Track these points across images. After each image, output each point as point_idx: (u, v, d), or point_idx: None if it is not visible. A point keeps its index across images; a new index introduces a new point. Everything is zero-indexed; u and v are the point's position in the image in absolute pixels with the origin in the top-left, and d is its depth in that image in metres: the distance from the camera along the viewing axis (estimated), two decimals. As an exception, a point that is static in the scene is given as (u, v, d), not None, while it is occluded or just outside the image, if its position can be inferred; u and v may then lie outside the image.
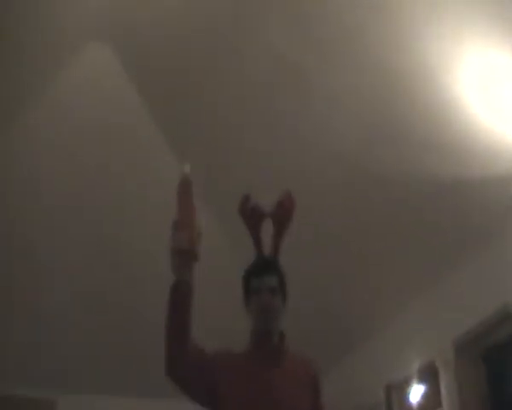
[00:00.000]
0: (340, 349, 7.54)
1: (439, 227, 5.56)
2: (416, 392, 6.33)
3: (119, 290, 7.40)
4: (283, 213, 3.05)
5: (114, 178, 6.95)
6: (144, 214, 7.09)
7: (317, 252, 6.55)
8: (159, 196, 6.25)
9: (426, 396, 6.13)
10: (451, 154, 4.98)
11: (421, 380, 6.23)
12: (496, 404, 5.56)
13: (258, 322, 2.69)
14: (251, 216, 3.03)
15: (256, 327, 2.70)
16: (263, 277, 2.72)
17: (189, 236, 2.49)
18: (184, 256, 2.51)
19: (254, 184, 6.05)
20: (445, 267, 5.83)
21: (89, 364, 7.66)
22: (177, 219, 2.51)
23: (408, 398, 6.44)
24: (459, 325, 5.67)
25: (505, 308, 5.07)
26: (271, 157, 6.12)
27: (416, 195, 5.47)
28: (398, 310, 6.57)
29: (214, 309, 6.83)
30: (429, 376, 6.08)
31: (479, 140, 4.76)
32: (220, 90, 6.01)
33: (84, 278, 7.22)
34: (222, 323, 7.00)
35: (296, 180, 5.59)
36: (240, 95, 5.92)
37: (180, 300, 2.51)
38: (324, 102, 5.42)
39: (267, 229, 3.06)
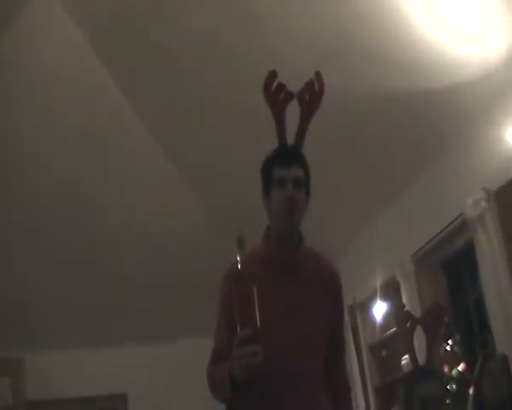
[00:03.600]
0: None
1: (394, 142, 5.60)
2: (379, 309, 6.48)
3: (80, 245, 7.36)
4: (312, 95, 2.67)
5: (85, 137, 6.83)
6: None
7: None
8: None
9: (389, 312, 6.27)
10: (398, 67, 5.00)
11: (384, 296, 6.37)
12: (456, 311, 5.73)
13: (280, 217, 2.40)
14: (275, 95, 2.63)
15: (279, 223, 2.43)
16: (289, 166, 2.41)
17: (256, 349, 2.08)
18: (253, 369, 2.11)
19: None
20: (400, 184, 5.93)
21: (53, 320, 7.63)
22: (241, 332, 2.10)
23: (372, 315, 6.60)
24: (417, 239, 5.80)
25: (461, 218, 5.19)
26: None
27: (365, 109, 5.46)
28: (358, 230, 6.69)
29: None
30: (391, 291, 6.21)
31: (425, 53, 4.78)
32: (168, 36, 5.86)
33: (46, 235, 7.16)
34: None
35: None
36: (189, 41, 5.77)
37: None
38: (272, 25, 5.34)
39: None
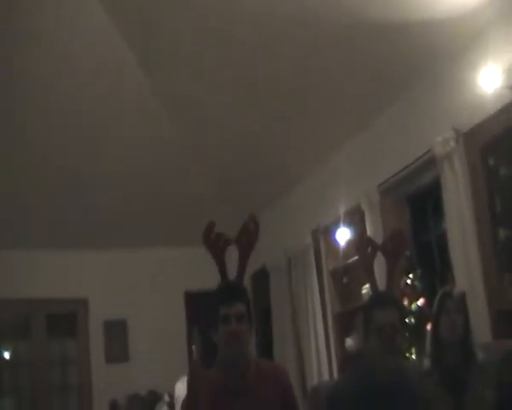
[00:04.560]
0: (269, 195, 7.71)
1: (365, 71, 5.55)
2: (343, 235, 6.54)
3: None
4: (248, 239, 3.07)
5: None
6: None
7: (250, 98, 6.48)
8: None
9: (352, 239, 6.34)
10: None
11: (348, 223, 6.43)
12: (418, 246, 5.83)
13: (226, 349, 2.81)
14: (215, 244, 3.04)
15: (226, 354, 2.83)
16: (231, 304, 2.79)
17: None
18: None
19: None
20: (371, 113, 5.90)
21: (17, 220, 7.60)
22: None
23: (335, 240, 6.67)
24: (384, 170, 5.81)
25: (429, 154, 5.21)
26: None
27: (342, 38, 5.37)
28: (326, 155, 6.68)
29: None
30: (356, 219, 6.27)
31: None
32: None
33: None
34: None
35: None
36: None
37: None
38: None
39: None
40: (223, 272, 3.04)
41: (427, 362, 3.47)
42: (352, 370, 3.32)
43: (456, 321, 3.30)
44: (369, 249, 3.70)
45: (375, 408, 2.91)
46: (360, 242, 3.88)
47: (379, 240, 5.78)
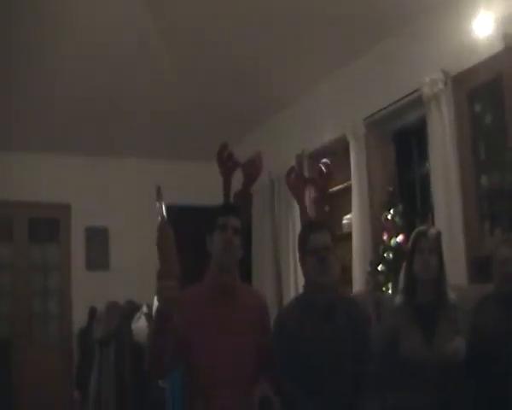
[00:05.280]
0: (256, 119, 7.72)
1: (357, 5, 5.52)
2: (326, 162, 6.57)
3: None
4: (253, 171, 3.75)
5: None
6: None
7: (237, 21, 6.41)
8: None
9: (336, 170, 6.38)
10: None
11: (332, 153, 6.46)
12: (402, 183, 5.92)
13: (220, 253, 3.00)
14: (226, 163, 3.50)
15: (219, 257, 3.02)
16: (229, 216, 3.03)
17: (173, 285, 2.61)
18: (171, 302, 2.62)
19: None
20: (362, 46, 5.91)
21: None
22: (161, 269, 2.64)
23: (319, 168, 6.70)
24: (372, 104, 5.87)
25: (417, 94, 5.25)
26: None
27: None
28: (315, 82, 6.68)
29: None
30: (340, 150, 6.32)
31: None
32: None
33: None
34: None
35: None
36: None
37: (163, 325, 2.68)
38: None
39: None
40: (227, 191, 3.45)
41: (399, 298, 3.57)
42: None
43: (429, 260, 3.37)
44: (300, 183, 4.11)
45: (312, 323, 3.12)
46: (290, 174, 4.23)
47: (362, 174, 5.96)
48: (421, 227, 3.74)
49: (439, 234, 3.59)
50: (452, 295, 3.48)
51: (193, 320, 2.92)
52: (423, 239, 3.44)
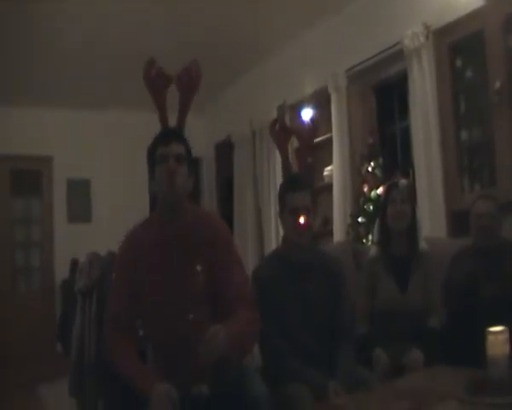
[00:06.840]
0: (237, 68, 7.67)
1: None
2: (308, 114, 6.59)
3: None
4: (189, 80, 2.96)
5: None
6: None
7: None
8: None
9: (317, 122, 6.40)
10: None
11: (314, 104, 6.49)
12: (382, 136, 5.96)
13: (164, 189, 2.57)
14: (155, 82, 2.91)
15: (164, 195, 2.60)
16: (169, 144, 2.57)
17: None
18: None
19: None
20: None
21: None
22: None
23: (300, 119, 6.72)
24: (353, 56, 5.88)
25: (398, 47, 5.26)
26: None
27: None
28: (297, 33, 6.64)
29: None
30: (322, 102, 6.34)
31: None
32: None
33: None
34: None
35: None
36: None
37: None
38: None
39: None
40: (162, 115, 2.92)
41: (373, 249, 3.63)
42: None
43: (401, 211, 3.39)
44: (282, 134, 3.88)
45: (288, 279, 3.05)
46: (274, 125, 3.97)
47: (344, 126, 5.99)
48: (393, 179, 3.79)
49: (410, 184, 3.63)
50: (423, 244, 3.52)
51: (146, 273, 2.61)
52: (395, 190, 3.46)
